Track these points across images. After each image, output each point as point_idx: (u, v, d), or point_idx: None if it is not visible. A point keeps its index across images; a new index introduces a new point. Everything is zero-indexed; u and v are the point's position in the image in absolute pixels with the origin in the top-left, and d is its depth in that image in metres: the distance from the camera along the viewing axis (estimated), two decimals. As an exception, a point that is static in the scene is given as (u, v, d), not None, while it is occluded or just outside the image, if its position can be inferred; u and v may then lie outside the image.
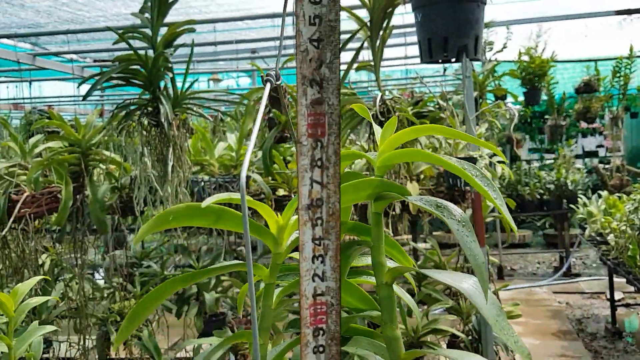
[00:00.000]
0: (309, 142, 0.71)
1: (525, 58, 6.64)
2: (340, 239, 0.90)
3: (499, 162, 2.72)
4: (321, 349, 0.73)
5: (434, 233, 8.41)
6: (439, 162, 0.86)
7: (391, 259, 0.97)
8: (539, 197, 7.23)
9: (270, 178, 3.22)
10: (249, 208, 0.93)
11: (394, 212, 2.88)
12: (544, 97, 7.52)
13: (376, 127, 0.97)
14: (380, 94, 2.75)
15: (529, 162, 9.56)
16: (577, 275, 7.33)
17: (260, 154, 3.23)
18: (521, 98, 6.82)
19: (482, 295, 0.74)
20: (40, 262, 3.16)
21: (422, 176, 3.36)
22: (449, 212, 0.79)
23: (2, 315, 1.51)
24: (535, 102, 6.73)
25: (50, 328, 1.53)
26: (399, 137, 0.88)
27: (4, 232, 2.80)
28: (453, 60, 1.98)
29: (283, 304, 0.95)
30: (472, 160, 2.54)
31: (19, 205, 2.83)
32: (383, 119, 2.73)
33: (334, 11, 0.72)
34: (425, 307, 3.56)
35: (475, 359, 0.80)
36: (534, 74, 6.52)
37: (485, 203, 3.28)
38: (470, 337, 3.33)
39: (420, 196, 0.85)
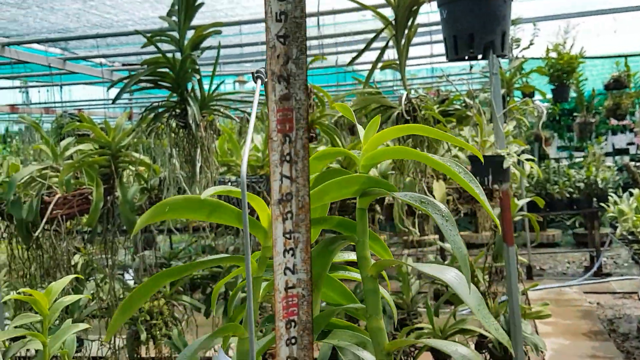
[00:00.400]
0: (278, 138, 0.72)
1: (553, 55, 6.55)
2: (325, 235, 0.91)
3: (528, 159, 2.70)
4: (293, 340, 0.74)
5: (462, 233, 8.34)
6: (424, 160, 0.88)
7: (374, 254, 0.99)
8: (568, 195, 7.12)
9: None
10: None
11: (420, 212, 2.87)
12: (572, 94, 7.41)
13: (359, 127, 0.98)
14: (405, 93, 2.74)
15: (557, 160, 9.42)
16: (608, 274, 7.20)
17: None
18: (549, 95, 6.73)
19: (465, 286, 0.78)
20: (72, 262, 3.22)
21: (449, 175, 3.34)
22: (434, 207, 0.82)
23: (36, 313, 1.54)
24: (563, 99, 6.63)
25: (83, 326, 1.56)
26: (382, 136, 0.91)
27: (37, 233, 2.86)
28: (479, 57, 1.97)
29: (269, 297, 0.96)
30: (500, 158, 2.52)
31: (51, 206, 2.89)
32: (409, 118, 2.72)
33: (299, 8, 0.72)
34: (453, 307, 3.54)
35: (460, 348, 0.81)
36: (562, 71, 6.42)
37: (513, 202, 3.25)
38: (499, 337, 3.30)
39: (405, 192, 0.87)
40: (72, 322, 1.68)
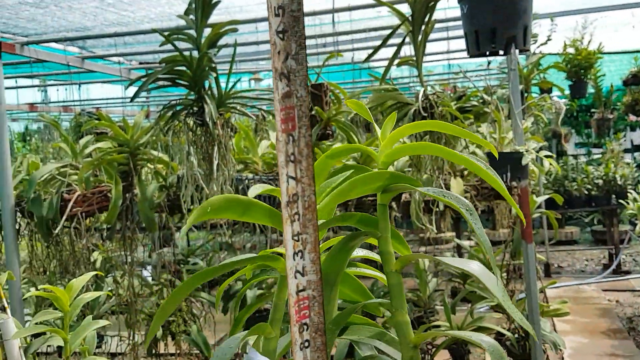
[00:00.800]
0: (283, 138, 0.70)
1: (571, 50, 6.48)
2: (347, 232, 0.92)
3: (546, 156, 2.68)
4: (306, 343, 0.73)
5: (478, 230, 8.30)
6: (445, 154, 0.87)
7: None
8: (586, 192, 7.05)
9: (313, 175, 3.23)
10: (274, 198, 0.95)
11: (437, 209, 2.86)
12: (590, 90, 7.33)
13: (375, 125, 0.98)
14: (422, 89, 2.73)
15: (575, 157, 9.33)
16: (628, 272, 7.12)
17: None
18: (567, 91, 6.67)
19: (490, 276, 0.79)
20: (91, 259, 3.25)
21: (466, 172, 3.33)
22: (458, 200, 0.83)
23: (57, 310, 1.56)
24: (581, 95, 6.56)
25: (103, 322, 1.57)
26: (400, 132, 0.91)
27: (57, 230, 2.90)
28: (501, 52, 1.95)
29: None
30: (518, 154, 2.50)
31: (70, 204, 2.92)
32: (426, 114, 2.71)
33: (296, 1, 0.70)
34: (470, 304, 3.52)
35: (486, 338, 0.81)
36: (579, 67, 6.35)
37: (532, 199, 3.23)
38: (516, 335, 3.28)
39: (428, 187, 0.87)
40: (91, 318, 1.70)
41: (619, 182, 6.93)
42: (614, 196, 6.97)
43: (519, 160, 2.48)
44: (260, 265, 0.99)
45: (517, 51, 1.96)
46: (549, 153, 2.74)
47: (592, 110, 8.71)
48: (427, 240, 4.89)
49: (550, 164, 2.66)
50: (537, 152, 2.59)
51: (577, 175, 7.12)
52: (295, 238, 0.72)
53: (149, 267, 4.58)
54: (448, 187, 2.80)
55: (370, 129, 4.26)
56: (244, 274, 1.03)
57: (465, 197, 3.04)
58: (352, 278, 1.00)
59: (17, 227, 3.04)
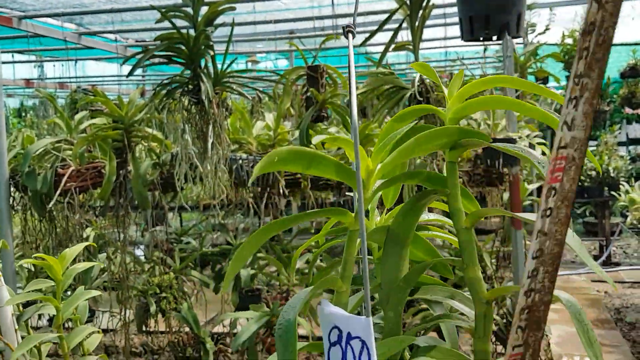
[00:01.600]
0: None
1: (569, 41, 6.49)
2: (413, 191, 0.91)
3: (539, 143, 2.70)
4: (549, 212, 0.65)
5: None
6: (517, 107, 0.85)
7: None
8: (579, 183, 7.08)
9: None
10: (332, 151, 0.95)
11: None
12: (587, 81, 7.33)
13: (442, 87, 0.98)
14: (419, 74, 2.74)
15: (570, 148, 9.35)
16: (617, 264, 7.18)
17: (297, 133, 3.26)
18: (564, 82, 6.68)
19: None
20: (84, 235, 3.26)
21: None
22: (531, 155, 0.82)
23: (49, 280, 1.58)
24: (578, 86, 6.56)
25: (95, 293, 1.59)
26: (468, 90, 0.89)
27: (51, 204, 2.91)
28: (495, 38, 1.96)
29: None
30: (512, 141, 2.52)
31: (64, 179, 2.93)
32: (421, 99, 2.73)
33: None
34: (460, 290, 3.56)
35: (561, 293, 0.81)
36: (577, 58, 6.35)
37: (523, 186, 3.25)
38: (504, 320, 3.33)
39: (502, 143, 0.86)
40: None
41: (612, 175, 6.97)
42: (606, 188, 7.02)
43: (511, 147, 2.50)
44: (331, 222, 0.97)
45: (513, 39, 1.97)
46: (542, 140, 2.76)
47: (589, 102, 8.71)
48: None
49: (543, 151, 2.69)
50: (531, 139, 2.61)
51: (570, 166, 7.14)
52: (576, 81, 0.62)
53: (142, 247, 4.60)
54: (441, 171, 2.82)
55: (365, 114, 4.27)
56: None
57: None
58: (423, 239, 0.98)
59: (11, 200, 3.05)
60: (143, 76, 7.01)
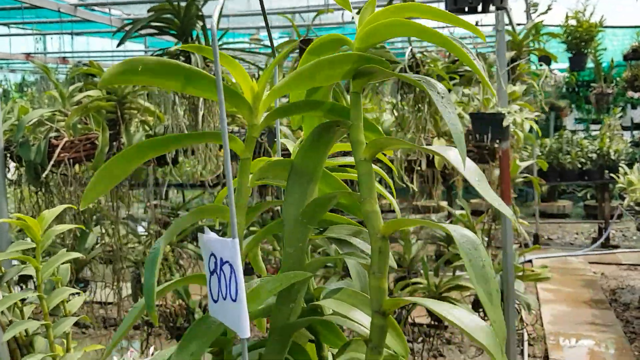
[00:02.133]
0: None
1: (573, 22, 6.44)
2: (318, 122, 0.88)
3: (527, 118, 2.69)
4: None
5: (472, 201, 8.35)
6: (421, 34, 0.79)
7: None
8: (580, 166, 7.06)
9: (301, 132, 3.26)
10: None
11: (419, 168, 2.90)
12: (590, 64, 7.29)
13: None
14: (410, 48, 2.74)
15: (574, 132, 9.32)
16: (616, 246, 7.19)
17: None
18: (566, 64, 6.64)
19: (460, 160, 0.71)
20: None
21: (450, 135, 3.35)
22: (431, 85, 0.75)
23: (30, 241, 1.60)
24: (580, 67, 6.53)
25: (75, 255, 1.62)
26: (376, 17, 0.83)
27: (44, 175, 2.93)
28: (479, 9, 1.96)
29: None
30: (500, 115, 2.52)
31: (58, 149, 2.95)
32: (412, 73, 2.73)
33: None
34: (452, 266, 3.58)
35: (463, 230, 0.75)
36: (580, 39, 6.32)
37: (515, 163, 3.26)
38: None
39: (410, 74, 0.82)
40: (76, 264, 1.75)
41: (613, 157, 6.95)
42: (607, 171, 6.99)
43: (500, 122, 2.50)
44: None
45: (497, 10, 1.97)
46: (532, 115, 2.76)
47: (592, 84, 8.68)
48: (419, 209, 4.93)
49: (531, 126, 2.68)
50: (520, 114, 2.61)
51: (571, 148, 7.13)
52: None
53: (144, 223, 4.64)
54: (430, 144, 2.83)
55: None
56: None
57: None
58: (331, 176, 0.94)
59: (6, 170, 3.08)
60: (146, 51, 7.02)
